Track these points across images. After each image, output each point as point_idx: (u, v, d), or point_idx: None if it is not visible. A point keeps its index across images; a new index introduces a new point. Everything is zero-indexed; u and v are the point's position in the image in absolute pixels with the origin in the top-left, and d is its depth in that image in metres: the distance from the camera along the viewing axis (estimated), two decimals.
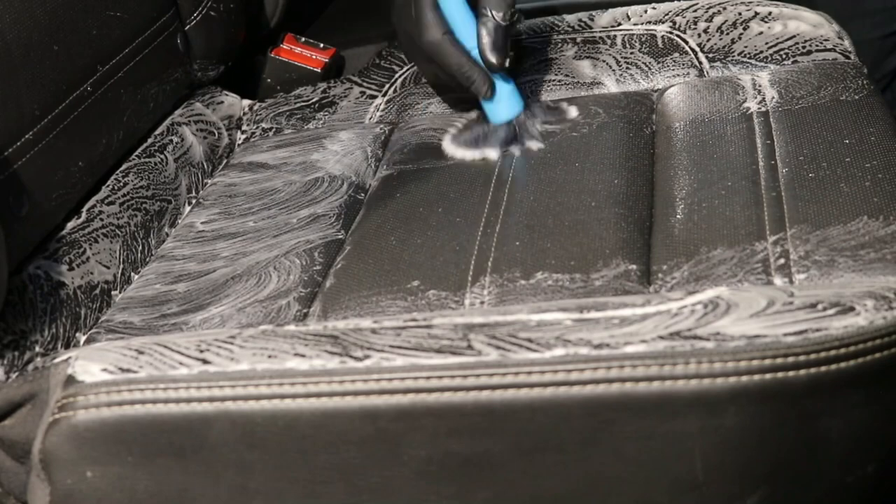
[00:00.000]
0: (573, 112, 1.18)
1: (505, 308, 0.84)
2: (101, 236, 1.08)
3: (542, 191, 1.06)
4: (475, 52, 1.14)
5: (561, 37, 1.30)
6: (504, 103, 1.16)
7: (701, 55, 1.26)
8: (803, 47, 1.23)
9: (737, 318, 0.78)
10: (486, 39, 1.13)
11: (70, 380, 0.84)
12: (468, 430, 0.79)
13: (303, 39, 1.46)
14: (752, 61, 1.24)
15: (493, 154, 1.14)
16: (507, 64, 1.14)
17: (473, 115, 1.21)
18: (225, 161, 1.30)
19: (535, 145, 1.14)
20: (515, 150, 1.14)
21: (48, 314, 0.99)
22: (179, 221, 1.19)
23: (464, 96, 1.20)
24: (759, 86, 1.15)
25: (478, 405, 0.78)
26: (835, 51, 1.22)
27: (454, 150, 1.17)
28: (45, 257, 1.03)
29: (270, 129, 1.34)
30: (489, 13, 1.13)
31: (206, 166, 1.27)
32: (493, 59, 1.13)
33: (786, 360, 0.76)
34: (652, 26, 1.28)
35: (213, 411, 0.81)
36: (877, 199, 0.93)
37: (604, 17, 1.30)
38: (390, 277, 0.99)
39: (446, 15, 1.15)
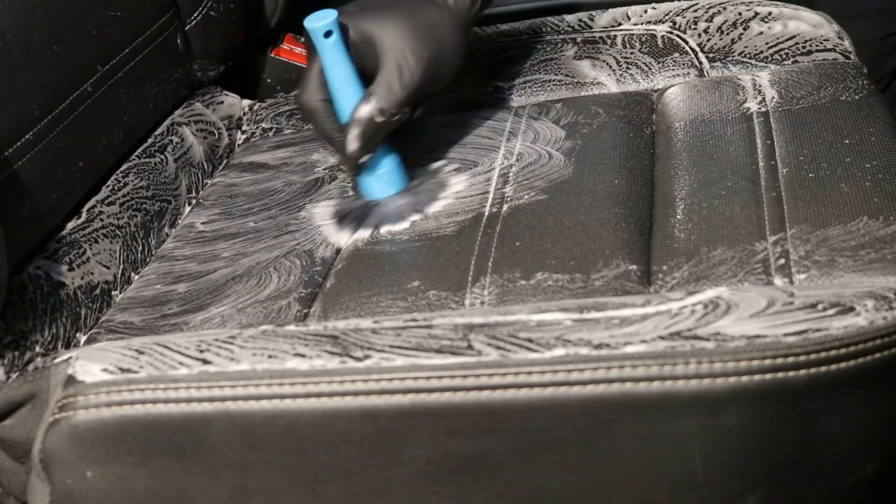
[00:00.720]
0: (455, 185, 1.10)
1: (505, 308, 0.84)
2: (101, 236, 1.08)
3: (543, 191, 1.06)
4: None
5: (561, 37, 1.30)
6: (377, 182, 1.10)
7: (701, 55, 1.26)
8: (803, 47, 1.23)
9: (737, 318, 0.78)
10: (352, 127, 1.05)
11: (70, 380, 0.84)
12: (468, 430, 0.79)
13: (303, 39, 1.46)
14: (752, 61, 1.24)
15: (362, 234, 1.06)
16: (366, 156, 1.07)
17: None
18: (225, 161, 1.30)
19: (396, 227, 1.05)
20: (382, 229, 1.06)
21: (48, 314, 0.99)
22: (179, 222, 1.19)
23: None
24: (760, 86, 1.15)
25: (478, 405, 0.78)
26: (835, 51, 1.22)
27: (331, 233, 1.08)
28: (45, 257, 1.03)
29: (270, 129, 1.34)
30: (369, 100, 1.05)
31: (206, 166, 1.27)
32: (349, 146, 1.06)
33: (786, 361, 0.76)
34: (652, 26, 1.28)
35: (214, 411, 0.81)
36: (877, 200, 0.93)
37: (604, 17, 1.30)
38: (390, 278, 0.99)
39: (331, 80, 1.07)
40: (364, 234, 1.06)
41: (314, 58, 1.08)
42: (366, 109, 1.05)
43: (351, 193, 1.14)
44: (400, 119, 1.06)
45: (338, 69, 1.07)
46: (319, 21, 1.06)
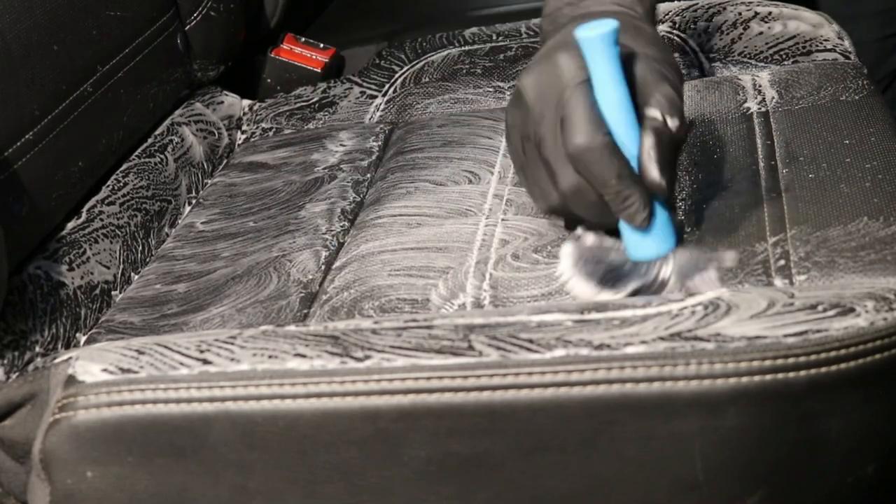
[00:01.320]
0: (728, 260, 0.90)
1: (505, 309, 0.84)
2: (101, 236, 1.08)
3: None
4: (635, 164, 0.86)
5: None
6: (653, 237, 0.88)
7: (701, 55, 1.26)
8: (803, 47, 1.23)
9: (737, 319, 0.78)
10: (650, 150, 0.84)
11: (70, 380, 0.84)
12: (468, 430, 0.79)
13: (303, 39, 1.46)
14: (752, 61, 1.24)
15: (619, 295, 0.88)
16: (668, 187, 0.86)
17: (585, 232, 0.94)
18: (225, 161, 1.30)
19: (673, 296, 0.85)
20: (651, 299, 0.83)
21: (48, 314, 0.99)
22: (179, 221, 1.19)
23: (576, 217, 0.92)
24: (759, 86, 1.15)
25: (478, 406, 0.78)
26: (835, 51, 1.22)
27: (576, 283, 0.91)
28: (45, 257, 1.03)
29: (270, 129, 1.34)
30: (658, 116, 0.85)
31: (206, 166, 1.27)
32: (656, 175, 0.84)
33: (786, 361, 0.76)
34: None
35: (214, 411, 0.81)
36: (877, 200, 0.93)
37: None
38: None
39: (605, 105, 0.85)
40: (614, 295, 0.89)
41: (577, 87, 0.86)
42: (660, 126, 0.85)
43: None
44: (688, 132, 0.92)
45: (614, 90, 0.86)
46: (597, 29, 0.84)
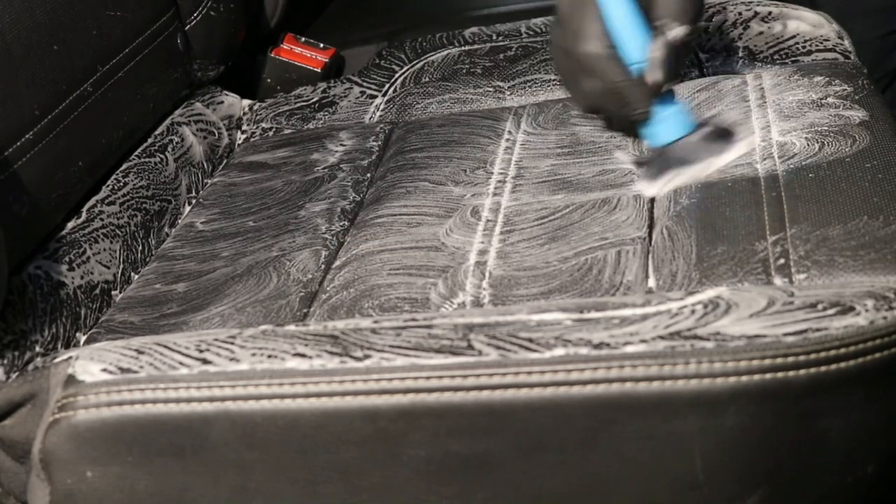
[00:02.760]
0: (748, 143, 1.05)
1: (505, 308, 0.84)
2: (101, 236, 1.08)
3: (544, 186, 1.06)
4: (637, 68, 1.02)
5: None
6: (665, 124, 1.04)
7: (701, 55, 1.26)
8: (803, 47, 1.23)
9: (737, 318, 0.78)
10: (654, 54, 1.01)
11: (70, 380, 0.84)
12: (468, 430, 0.79)
13: (303, 39, 1.46)
14: (753, 61, 1.24)
15: (665, 184, 1.02)
16: (667, 86, 1.02)
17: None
18: (225, 161, 1.30)
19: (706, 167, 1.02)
20: (681, 177, 1.02)
21: (48, 314, 0.99)
22: (179, 221, 1.19)
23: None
24: (760, 86, 1.15)
25: (478, 405, 0.78)
26: (835, 51, 1.22)
27: (646, 187, 1.04)
28: (45, 257, 1.03)
29: (270, 129, 1.34)
30: (665, 23, 1.01)
31: (206, 166, 1.27)
32: (653, 76, 1.01)
33: (786, 360, 0.76)
34: None
35: (214, 411, 0.81)
36: (877, 199, 0.93)
37: None
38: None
39: (612, 27, 1.02)
40: (677, 180, 1.02)
41: (586, 7, 1.03)
42: (665, 35, 1.01)
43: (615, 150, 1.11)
44: (695, 35, 1.04)
45: (620, 6, 1.02)
46: None
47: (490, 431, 0.79)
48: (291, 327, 0.85)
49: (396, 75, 1.35)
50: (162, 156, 1.22)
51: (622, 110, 1.05)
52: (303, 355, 0.81)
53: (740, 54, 1.24)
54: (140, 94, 1.20)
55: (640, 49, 1.02)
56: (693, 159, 1.02)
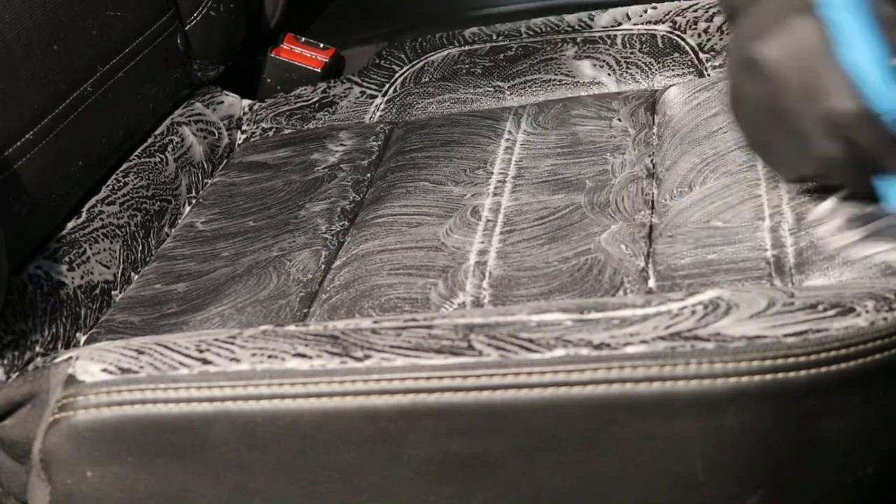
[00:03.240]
0: None
1: (505, 308, 0.84)
2: (101, 236, 1.08)
3: (544, 186, 1.06)
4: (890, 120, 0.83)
5: (561, 37, 1.30)
6: None
7: (701, 55, 1.26)
8: None
9: (737, 318, 0.78)
10: None
11: (70, 380, 0.84)
12: (468, 430, 0.79)
13: (303, 39, 1.46)
14: None
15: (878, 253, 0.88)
16: None
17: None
18: (225, 161, 1.30)
19: None
20: None
21: (48, 314, 0.99)
22: (179, 221, 1.19)
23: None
24: None
25: (478, 405, 0.78)
26: None
27: (851, 248, 0.90)
28: (45, 257, 1.03)
29: (270, 129, 1.34)
30: None
31: (206, 166, 1.27)
32: None
33: (786, 361, 0.76)
34: (652, 26, 1.28)
35: (214, 411, 0.81)
36: None
37: (604, 17, 1.30)
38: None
39: (861, 78, 0.83)
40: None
41: (824, 56, 0.85)
42: None
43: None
44: None
45: (868, 50, 0.83)
46: None
47: (490, 432, 0.79)
48: (291, 327, 0.85)
49: (396, 75, 1.35)
50: (162, 156, 1.22)
51: (864, 175, 0.87)
52: (303, 355, 0.81)
53: None
54: (140, 94, 1.20)
55: (889, 99, 0.83)
56: None
